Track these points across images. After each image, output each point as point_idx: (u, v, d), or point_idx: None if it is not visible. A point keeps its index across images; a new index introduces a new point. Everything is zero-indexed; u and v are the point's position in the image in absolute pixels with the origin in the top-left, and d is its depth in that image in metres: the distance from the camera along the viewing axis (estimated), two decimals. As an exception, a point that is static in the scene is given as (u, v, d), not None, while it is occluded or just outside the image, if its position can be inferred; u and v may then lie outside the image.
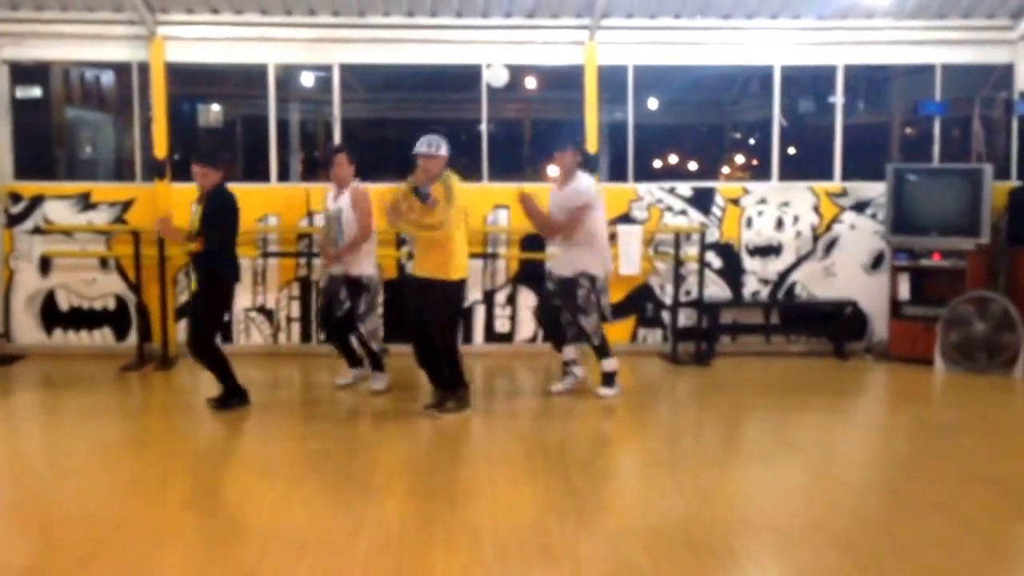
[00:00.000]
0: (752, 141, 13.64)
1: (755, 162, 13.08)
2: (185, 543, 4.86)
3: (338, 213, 7.93)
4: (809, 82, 11.54)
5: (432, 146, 7.24)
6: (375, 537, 4.85)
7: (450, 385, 7.41)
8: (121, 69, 10.69)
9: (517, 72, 10.25)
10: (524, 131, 13.51)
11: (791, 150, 10.69)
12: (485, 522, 5.06)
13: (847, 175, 10.24)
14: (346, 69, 10.01)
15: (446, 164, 7.31)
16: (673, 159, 14.61)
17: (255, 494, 5.68)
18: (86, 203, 9.88)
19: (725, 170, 13.79)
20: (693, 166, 14.48)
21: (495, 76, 9.68)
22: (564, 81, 10.86)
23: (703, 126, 14.22)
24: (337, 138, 9.93)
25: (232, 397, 7.54)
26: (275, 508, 5.36)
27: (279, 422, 7.33)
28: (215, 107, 11.76)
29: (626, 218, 10.03)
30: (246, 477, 6.15)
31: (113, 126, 12.16)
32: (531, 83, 11.87)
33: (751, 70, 11.24)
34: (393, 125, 12.92)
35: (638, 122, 10.15)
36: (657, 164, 14.20)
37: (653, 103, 12.15)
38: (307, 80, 11.53)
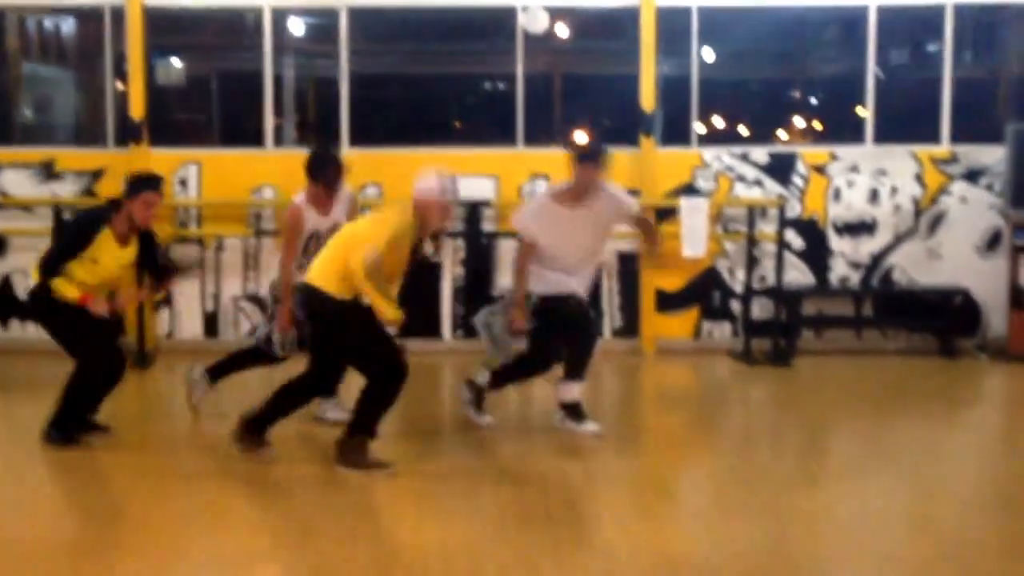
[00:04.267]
0: (813, 100, 13.49)
1: (816, 126, 12.91)
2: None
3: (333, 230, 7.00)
4: (905, 26, 11.35)
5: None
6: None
7: None
8: (88, 16, 10.75)
9: (555, 16, 10.22)
10: (555, 87, 13.32)
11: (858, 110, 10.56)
12: (539, 549, 5.06)
13: (956, 137, 10.17)
14: (356, 13, 10.02)
15: None
16: (736, 119, 14.42)
17: (260, 519, 5.70)
18: (49, 172, 9.95)
19: (783, 135, 13.63)
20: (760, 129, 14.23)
21: (532, 20, 9.68)
22: (610, 27, 10.81)
23: (776, 80, 14.05)
24: (344, 95, 9.94)
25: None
26: (288, 536, 5.36)
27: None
28: (175, 62, 11.76)
29: (689, 189, 10.00)
30: (250, 499, 6.12)
31: (79, 82, 12.20)
32: (569, 30, 11.74)
33: (838, 12, 11.13)
34: (405, 82, 12.81)
35: (703, 76, 10.12)
36: (720, 124, 14.02)
37: (710, 54, 12.04)
38: (298, 28, 11.51)
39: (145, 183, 6.67)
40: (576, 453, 6.81)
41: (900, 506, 5.86)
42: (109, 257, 6.62)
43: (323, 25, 10.88)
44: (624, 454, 6.92)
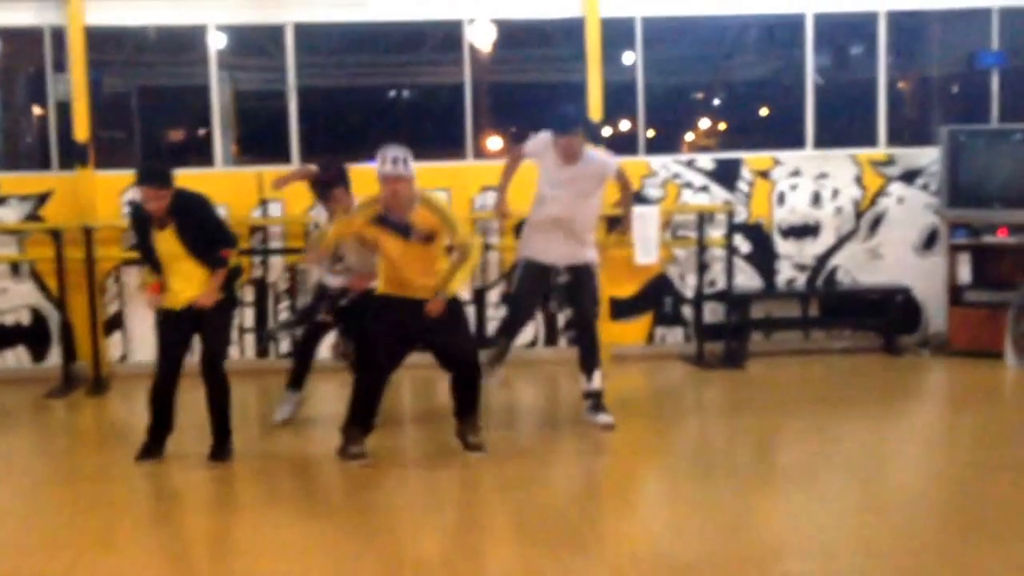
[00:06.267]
0: (729, 101, 13.82)
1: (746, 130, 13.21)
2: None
3: None
4: (828, 32, 11.63)
5: (399, 163, 6.67)
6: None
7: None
8: (22, 36, 10.71)
9: (504, 28, 10.41)
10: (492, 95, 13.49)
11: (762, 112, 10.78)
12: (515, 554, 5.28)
13: (892, 140, 10.53)
14: (301, 29, 10.09)
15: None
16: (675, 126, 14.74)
17: (240, 543, 5.85)
18: (-8, 198, 9.92)
19: (689, 137, 13.97)
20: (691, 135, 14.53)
21: (480, 34, 9.89)
22: (555, 38, 10.98)
23: (711, 86, 14.37)
24: (293, 111, 10.06)
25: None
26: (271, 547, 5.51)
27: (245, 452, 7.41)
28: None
29: (639, 198, 10.19)
30: (224, 522, 6.30)
31: (12, 104, 12.10)
32: (506, 40, 11.95)
33: (776, 19, 11.42)
34: (351, 97, 12.91)
35: (648, 83, 10.34)
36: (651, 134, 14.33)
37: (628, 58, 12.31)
38: (228, 42, 11.55)
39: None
40: (535, 457, 7.06)
41: (853, 494, 6.26)
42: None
43: (260, 42, 10.97)
44: (586, 457, 7.21)
